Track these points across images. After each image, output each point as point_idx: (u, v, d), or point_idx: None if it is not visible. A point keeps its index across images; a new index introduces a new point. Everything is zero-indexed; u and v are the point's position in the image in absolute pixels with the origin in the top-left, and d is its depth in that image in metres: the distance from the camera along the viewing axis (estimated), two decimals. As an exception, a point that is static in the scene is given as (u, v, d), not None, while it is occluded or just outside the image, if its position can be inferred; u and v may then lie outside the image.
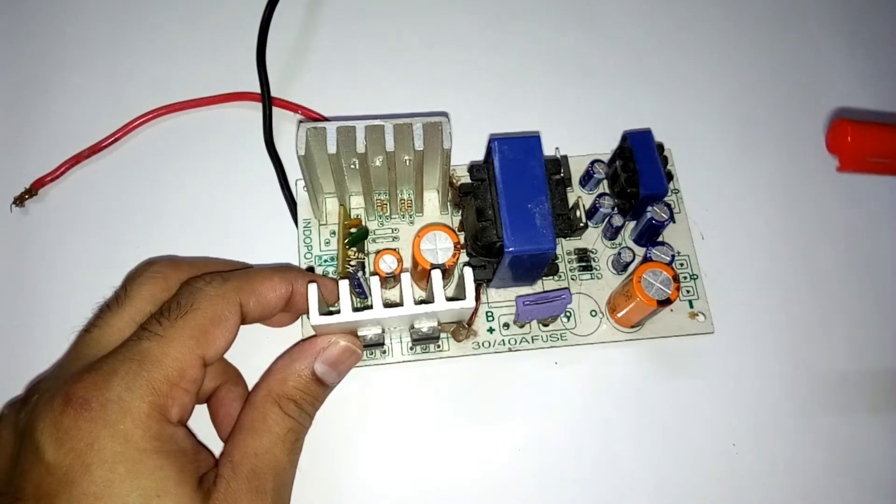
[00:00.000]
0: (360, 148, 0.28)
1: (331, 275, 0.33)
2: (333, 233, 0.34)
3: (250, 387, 0.30)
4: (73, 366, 0.25)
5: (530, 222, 0.28)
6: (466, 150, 0.35)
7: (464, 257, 0.32)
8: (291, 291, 0.28)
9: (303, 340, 0.28)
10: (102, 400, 0.22)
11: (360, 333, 0.29)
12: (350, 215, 0.34)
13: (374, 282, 0.27)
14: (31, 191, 0.35)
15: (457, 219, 0.35)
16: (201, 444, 0.27)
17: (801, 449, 0.32)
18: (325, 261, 0.33)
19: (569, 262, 0.34)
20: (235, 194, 0.36)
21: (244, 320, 0.27)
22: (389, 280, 0.31)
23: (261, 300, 0.27)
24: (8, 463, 0.24)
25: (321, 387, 0.27)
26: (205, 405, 0.29)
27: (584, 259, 0.34)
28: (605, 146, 0.36)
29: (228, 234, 0.35)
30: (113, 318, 0.26)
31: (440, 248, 0.30)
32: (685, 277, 0.34)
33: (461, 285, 0.28)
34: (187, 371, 0.24)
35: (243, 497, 0.24)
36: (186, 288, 0.26)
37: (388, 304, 0.27)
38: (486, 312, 0.33)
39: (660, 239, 0.34)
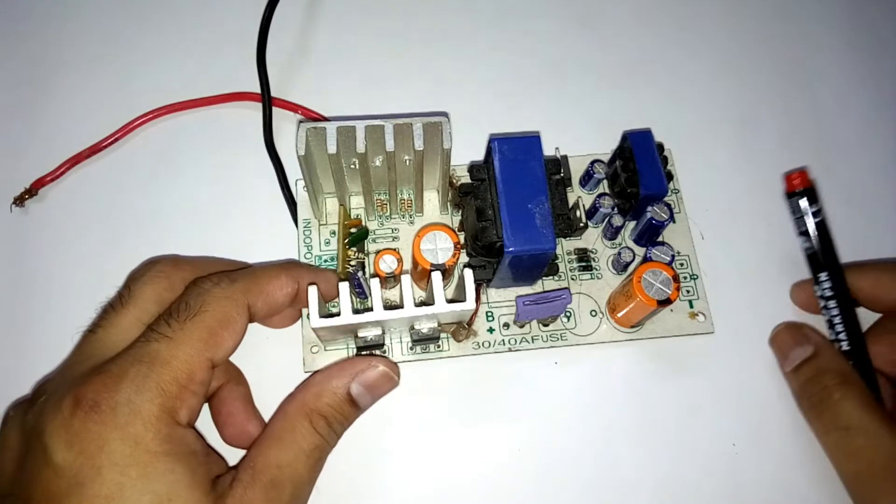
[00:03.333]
0: (360, 148, 0.28)
1: (331, 275, 0.33)
2: (333, 233, 0.34)
3: (251, 386, 0.30)
4: (79, 367, 0.25)
5: (530, 222, 0.28)
6: (466, 150, 0.35)
7: (464, 257, 0.32)
8: (297, 288, 0.28)
9: (343, 360, 0.28)
10: (112, 402, 0.22)
11: (359, 334, 0.29)
12: (350, 215, 0.34)
13: (374, 283, 0.27)
14: (31, 191, 0.35)
15: (457, 219, 0.35)
16: (210, 446, 0.27)
17: (801, 449, 0.32)
18: (325, 261, 0.33)
19: (569, 262, 0.34)
20: (235, 194, 0.36)
21: (251, 320, 0.27)
22: (389, 280, 0.31)
23: (268, 300, 0.27)
24: (15, 465, 0.23)
25: (353, 408, 0.27)
26: (205, 405, 0.29)
27: (584, 259, 0.34)
28: (605, 146, 0.36)
29: (228, 234, 0.35)
30: (117, 318, 0.26)
31: (440, 248, 0.30)
32: (685, 277, 0.34)
33: (461, 285, 0.28)
34: (196, 373, 0.24)
35: None
36: (194, 289, 0.26)
37: (388, 305, 0.27)
38: (486, 312, 0.33)
39: (660, 239, 0.34)
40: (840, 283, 0.31)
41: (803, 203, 0.31)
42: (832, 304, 0.31)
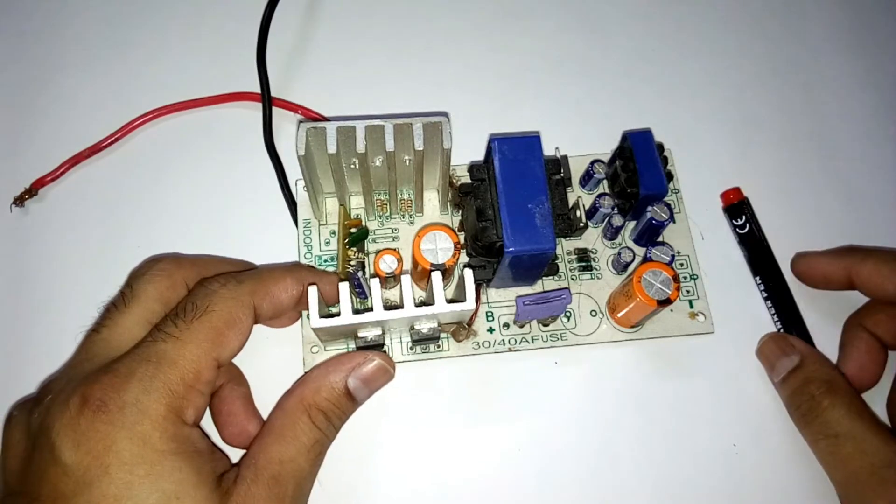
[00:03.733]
0: (360, 148, 0.28)
1: (331, 275, 0.33)
2: (333, 233, 0.34)
3: (251, 386, 0.30)
4: (84, 366, 0.25)
5: (530, 222, 0.28)
6: (466, 150, 0.35)
7: (464, 257, 0.32)
8: (303, 291, 0.28)
9: (339, 355, 0.29)
10: (120, 402, 0.22)
11: (360, 334, 0.29)
12: (350, 215, 0.34)
13: (375, 283, 0.27)
14: (31, 191, 0.35)
15: (457, 219, 0.35)
16: (215, 444, 0.27)
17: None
18: (325, 261, 0.33)
19: (569, 262, 0.34)
20: (235, 194, 0.36)
21: (256, 321, 0.27)
22: (389, 280, 0.31)
23: (274, 302, 0.27)
24: (21, 464, 0.23)
25: (351, 401, 0.28)
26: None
27: (584, 259, 0.34)
28: (605, 146, 0.36)
29: (228, 234, 0.35)
30: (121, 317, 0.26)
31: (440, 248, 0.30)
32: (685, 277, 0.34)
33: (461, 285, 0.28)
34: (202, 373, 0.24)
35: (262, 502, 0.24)
36: (201, 289, 0.26)
37: (388, 305, 0.27)
38: (486, 312, 0.33)
39: (660, 239, 0.34)
40: (772, 285, 0.34)
41: (736, 217, 0.36)
42: (769, 303, 0.34)
